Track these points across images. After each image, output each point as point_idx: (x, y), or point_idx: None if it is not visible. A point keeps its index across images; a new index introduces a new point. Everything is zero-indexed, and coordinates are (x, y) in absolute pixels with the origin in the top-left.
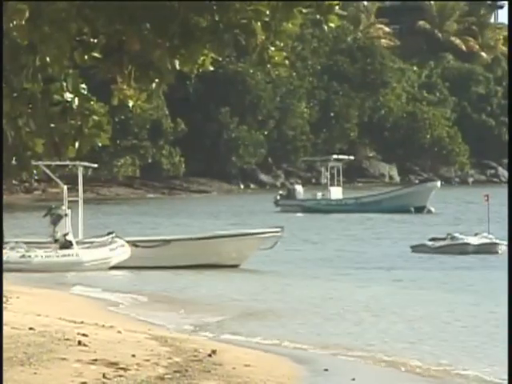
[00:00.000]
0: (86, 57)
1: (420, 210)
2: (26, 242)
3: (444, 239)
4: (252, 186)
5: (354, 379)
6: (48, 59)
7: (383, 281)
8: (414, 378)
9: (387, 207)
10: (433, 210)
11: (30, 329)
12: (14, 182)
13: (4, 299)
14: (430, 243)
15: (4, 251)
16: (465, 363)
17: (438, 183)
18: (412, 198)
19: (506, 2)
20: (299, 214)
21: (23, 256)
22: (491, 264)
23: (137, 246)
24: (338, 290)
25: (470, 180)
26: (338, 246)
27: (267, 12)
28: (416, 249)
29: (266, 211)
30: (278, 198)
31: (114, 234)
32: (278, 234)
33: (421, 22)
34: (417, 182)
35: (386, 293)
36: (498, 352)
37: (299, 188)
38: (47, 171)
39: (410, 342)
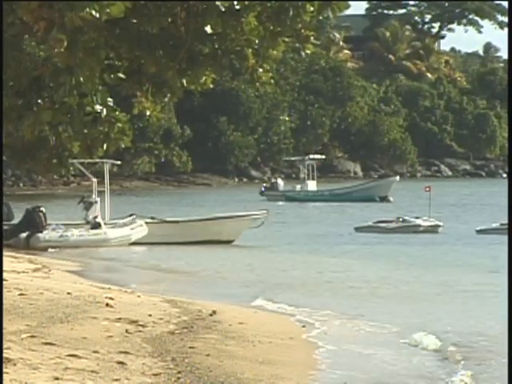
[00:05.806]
0: (112, 77)
1: (383, 199)
2: (64, 224)
3: (391, 221)
4: (245, 180)
5: (304, 326)
6: (82, 79)
7: (333, 252)
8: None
9: (356, 197)
10: (391, 199)
11: (68, 293)
12: (55, 176)
13: (46, 270)
14: (383, 225)
15: (46, 231)
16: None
17: (398, 178)
18: (377, 189)
19: (446, 33)
20: (281, 203)
21: (62, 236)
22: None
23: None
24: (298, 258)
25: (418, 175)
26: (309, 227)
27: (257, 41)
28: (362, 229)
29: (254, 200)
30: (263, 189)
31: (134, 216)
32: (265, 215)
33: (377, 45)
34: (376, 176)
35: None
36: None
37: (280, 181)
38: (81, 168)
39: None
